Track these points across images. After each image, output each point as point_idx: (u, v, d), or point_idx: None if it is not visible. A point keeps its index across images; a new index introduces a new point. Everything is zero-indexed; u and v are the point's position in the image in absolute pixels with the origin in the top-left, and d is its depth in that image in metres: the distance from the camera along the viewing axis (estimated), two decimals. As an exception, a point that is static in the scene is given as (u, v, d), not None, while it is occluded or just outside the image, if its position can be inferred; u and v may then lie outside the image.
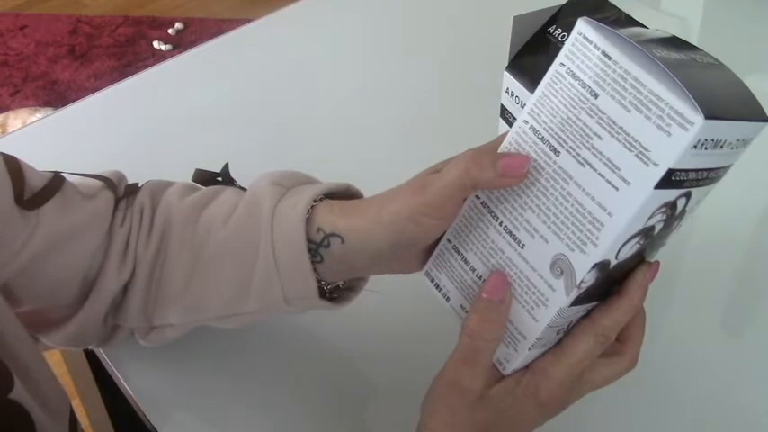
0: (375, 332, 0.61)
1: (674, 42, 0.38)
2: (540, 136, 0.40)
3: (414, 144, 0.77)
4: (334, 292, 0.51)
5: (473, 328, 0.42)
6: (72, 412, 0.49)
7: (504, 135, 0.43)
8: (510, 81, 0.57)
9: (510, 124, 0.60)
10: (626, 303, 0.41)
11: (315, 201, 0.48)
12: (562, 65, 0.39)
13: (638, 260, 0.41)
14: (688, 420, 0.56)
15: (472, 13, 0.94)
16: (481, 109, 0.64)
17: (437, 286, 0.47)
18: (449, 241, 0.46)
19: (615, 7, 0.55)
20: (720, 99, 0.35)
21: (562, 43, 0.55)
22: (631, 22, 0.54)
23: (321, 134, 0.79)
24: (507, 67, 0.57)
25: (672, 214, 0.38)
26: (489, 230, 0.43)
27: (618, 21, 0.54)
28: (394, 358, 0.60)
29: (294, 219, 0.47)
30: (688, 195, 0.38)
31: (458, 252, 0.45)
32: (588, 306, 0.42)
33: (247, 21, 0.95)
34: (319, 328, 0.62)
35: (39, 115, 1.97)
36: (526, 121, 0.41)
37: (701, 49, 0.38)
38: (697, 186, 0.37)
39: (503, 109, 0.60)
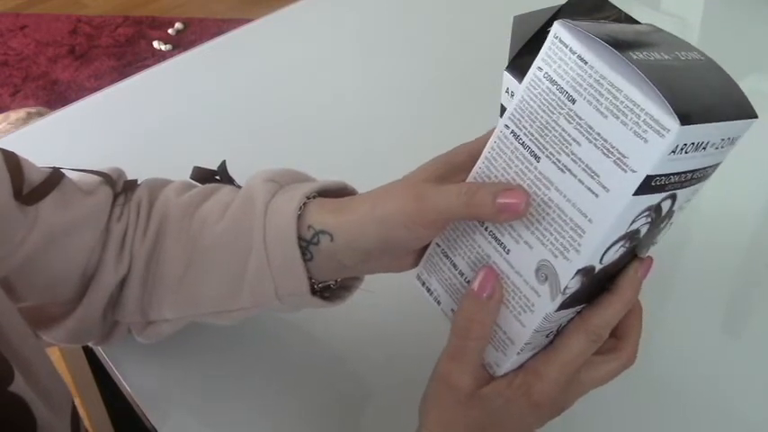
0: (373, 333, 0.61)
1: (659, 38, 0.38)
2: (520, 141, 0.40)
3: (414, 144, 0.77)
4: (325, 291, 0.51)
5: (459, 327, 0.43)
6: (74, 408, 0.49)
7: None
8: (510, 81, 0.57)
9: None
10: (617, 301, 0.41)
11: (307, 198, 0.48)
12: (540, 69, 0.38)
13: (630, 258, 0.41)
14: (687, 420, 0.56)
15: (472, 13, 0.94)
16: (481, 109, 0.64)
17: (428, 290, 0.47)
18: (438, 245, 0.46)
19: (615, 7, 0.55)
20: (701, 101, 0.35)
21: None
22: (631, 22, 0.54)
23: (321, 134, 0.79)
24: (507, 67, 0.57)
25: (657, 216, 0.38)
26: (476, 235, 0.43)
27: (617, 21, 0.54)
28: (391, 359, 0.60)
29: (286, 215, 0.47)
30: (673, 197, 0.37)
31: (446, 256, 0.45)
32: (577, 308, 0.42)
33: (247, 21, 0.95)
34: (319, 328, 0.62)
35: (38, 115, 1.97)
36: (507, 126, 0.40)
37: (687, 43, 0.38)
38: (682, 188, 0.37)
39: (503, 109, 0.60)
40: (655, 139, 0.34)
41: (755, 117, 0.35)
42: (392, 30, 0.93)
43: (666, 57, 0.36)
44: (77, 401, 0.94)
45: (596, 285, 0.41)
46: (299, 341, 0.61)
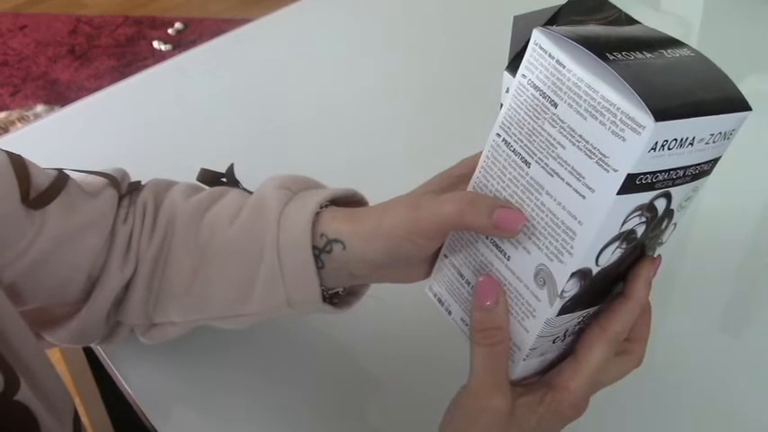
0: (377, 333, 0.61)
1: (648, 38, 0.38)
2: (512, 148, 0.40)
3: (414, 144, 0.77)
4: (334, 298, 0.51)
5: (478, 336, 0.42)
6: (76, 412, 0.49)
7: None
8: (510, 81, 0.57)
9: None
10: (633, 304, 0.42)
11: (321, 206, 0.48)
12: (524, 76, 0.39)
13: (635, 258, 0.41)
14: (687, 420, 0.56)
15: (472, 13, 0.94)
16: (481, 109, 0.64)
17: (440, 301, 0.47)
18: (445, 256, 0.46)
19: (615, 7, 0.55)
20: (682, 96, 0.34)
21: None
22: (631, 22, 0.54)
23: (321, 134, 0.79)
24: (507, 67, 0.57)
25: (653, 216, 0.38)
26: (478, 244, 0.43)
27: (617, 21, 0.54)
28: (396, 358, 0.60)
29: (301, 223, 0.47)
30: (667, 195, 0.37)
31: (453, 266, 0.46)
32: (583, 313, 0.42)
33: (247, 21, 0.95)
34: (321, 328, 0.62)
35: (39, 113, 1.97)
36: (498, 135, 0.41)
37: (678, 41, 0.38)
38: (675, 185, 0.37)
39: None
40: (632, 138, 0.34)
41: (749, 110, 0.35)
42: (392, 30, 0.93)
43: (649, 55, 0.36)
44: (77, 401, 0.94)
45: (599, 288, 0.41)
46: (300, 342, 0.61)
